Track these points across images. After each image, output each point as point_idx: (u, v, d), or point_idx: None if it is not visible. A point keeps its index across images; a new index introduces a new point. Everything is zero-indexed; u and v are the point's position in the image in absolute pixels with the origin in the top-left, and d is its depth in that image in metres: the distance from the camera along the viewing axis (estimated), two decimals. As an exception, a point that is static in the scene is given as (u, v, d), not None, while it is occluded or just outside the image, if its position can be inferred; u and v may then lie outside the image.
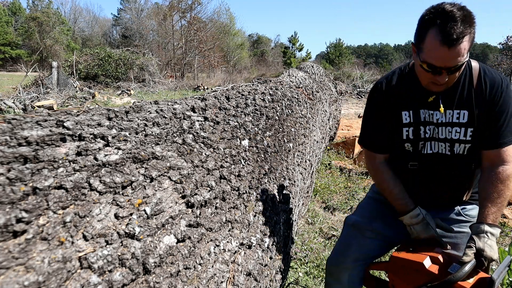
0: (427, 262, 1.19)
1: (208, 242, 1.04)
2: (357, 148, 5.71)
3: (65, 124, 0.87)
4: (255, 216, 1.37)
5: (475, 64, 1.29)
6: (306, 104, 3.20)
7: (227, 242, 1.13)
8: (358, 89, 18.92)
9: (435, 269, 1.18)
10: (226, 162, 1.33)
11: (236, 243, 1.18)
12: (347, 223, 1.59)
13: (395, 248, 1.42)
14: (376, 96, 1.40)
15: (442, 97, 1.26)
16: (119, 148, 0.94)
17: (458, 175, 1.34)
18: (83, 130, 0.90)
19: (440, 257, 1.20)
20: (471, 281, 1.11)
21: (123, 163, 0.91)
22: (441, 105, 1.26)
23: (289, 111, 2.49)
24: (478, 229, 1.17)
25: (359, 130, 1.54)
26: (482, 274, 1.14)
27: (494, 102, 1.23)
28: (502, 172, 1.21)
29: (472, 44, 1.12)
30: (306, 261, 2.64)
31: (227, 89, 2.13)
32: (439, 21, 1.07)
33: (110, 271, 0.72)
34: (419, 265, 1.20)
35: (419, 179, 1.39)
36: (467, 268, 1.09)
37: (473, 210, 1.39)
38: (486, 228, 1.15)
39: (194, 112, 1.44)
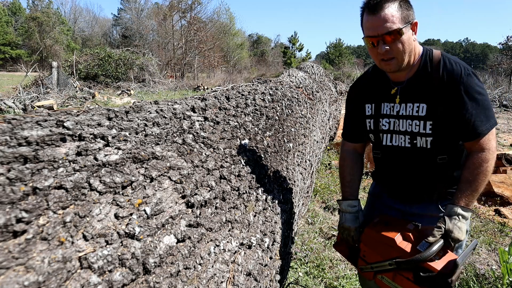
0: (398, 239, 1.24)
1: (208, 242, 1.04)
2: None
3: (65, 124, 0.87)
4: (255, 216, 1.37)
5: (436, 55, 1.28)
6: (306, 104, 3.20)
7: (227, 242, 1.13)
8: (358, 89, 18.86)
9: (405, 245, 1.22)
10: (226, 162, 1.33)
11: (236, 243, 1.18)
12: None
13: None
14: (350, 91, 1.57)
15: (401, 89, 1.32)
16: (119, 148, 0.94)
17: (423, 168, 1.36)
18: (83, 130, 0.90)
19: (411, 235, 1.24)
20: (440, 262, 1.14)
21: (123, 163, 0.91)
22: (398, 97, 1.32)
23: (289, 111, 2.49)
24: (451, 211, 1.21)
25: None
26: (450, 255, 1.17)
27: (456, 95, 1.22)
28: (477, 158, 1.23)
29: (406, 17, 1.18)
30: (306, 261, 2.64)
31: (227, 89, 2.13)
32: (365, 1, 1.20)
33: (110, 271, 0.72)
34: (391, 240, 1.24)
35: (386, 168, 1.50)
36: (434, 248, 1.14)
37: None
38: (459, 210, 1.20)
39: (194, 112, 1.44)
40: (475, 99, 1.20)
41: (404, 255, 1.20)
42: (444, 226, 1.19)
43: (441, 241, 1.16)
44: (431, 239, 1.16)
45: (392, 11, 1.15)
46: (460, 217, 1.19)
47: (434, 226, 1.22)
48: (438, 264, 1.14)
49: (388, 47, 1.20)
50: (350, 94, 1.56)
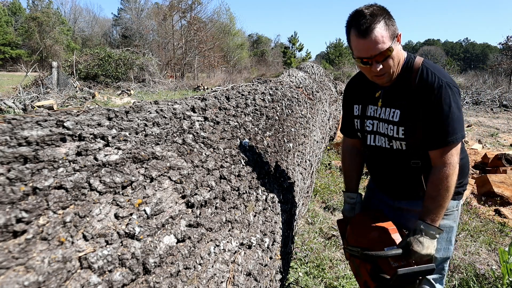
0: (375, 233, 1.36)
1: (208, 242, 1.04)
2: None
3: (65, 124, 0.87)
4: (255, 216, 1.37)
5: (417, 63, 1.31)
6: (306, 104, 3.20)
7: (227, 242, 1.13)
8: (358, 89, 18.88)
9: (375, 241, 1.32)
10: (226, 162, 1.33)
11: (236, 243, 1.18)
12: None
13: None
14: (344, 93, 1.64)
15: (383, 93, 1.38)
16: (119, 148, 0.94)
17: (401, 169, 1.42)
18: (83, 130, 0.90)
19: (387, 235, 1.34)
20: (393, 268, 1.22)
21: (123, 163, 0.91)
22: (380, 101, 1.38)
23: (289, 111, 2.49)
24: (416, 226, 1.28)
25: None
26: (404, 267, 1.24)
27: (427, 104, 1.25)
28: (439, 174, 1.27)
29: (393, 33, 1.21)
30: (306, 261, 2.64)
31: (227, 89, 2.13)
32: (352, 20, 1.22)
33: (110, 271, 0.72)
34: (367, 232, 1.37)
35: (373, 165, 1.58)
36: (389, 253, 1.23)
37: None
38: (422, 226, 1.26)
39: (194, 112, 1.44)
40: (444, 110, 1.23)
41: (371, 249, 1.29)
42: (406, 238, 1.27)
43: (399, 250, 1.23)
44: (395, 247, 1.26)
45: (381, 31, 1.18)
46: (423, 232, 1.25)
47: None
48: (391, 269, 1.22)
49: (381, 65, 1.24)
50: (345, 92, 1.63)
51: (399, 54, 1.27)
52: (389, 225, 1.38)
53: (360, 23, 1.19)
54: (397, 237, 1.33)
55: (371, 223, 1.41)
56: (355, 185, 1.62)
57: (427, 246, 1.23)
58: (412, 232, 1.27)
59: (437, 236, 1.26)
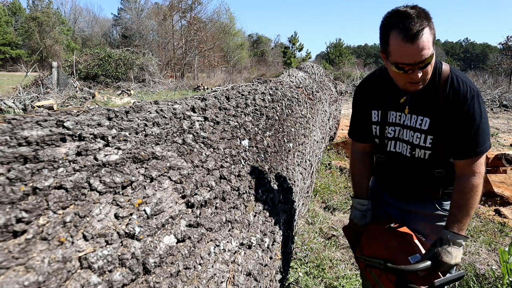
0: (395, 243, 1.32)
1: (208, 242, 1.04)
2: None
3: (65, 124, 0.87)
4: (255, 216, 1.37)
5: (445, 71, 1.27)
6: (306, 104, 3.20)
7: (227, 242, 1.13)
8: (358, 89, 18.90)
9: (398, 251, 1.30)
10: (226, 162, 1.33)
11: (236, 243, 1.18)
12: None
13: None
14: (355, 95, 1.55)
15: (410, 99, 1.31)
16: (119, 148, 0.94)
17: (421, 176, 1.39)
18: (83, 130, 0.90)
19: (408, 244, 1.31)
20: (423, 280, 1.20)
21: (123, 163, 0.91)
22: (407, 107, 1.32)
23: (289, 111, 2.49)
24: (443, 236, 1.25)
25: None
26: (435, 277, 1.22)
27: (459, 114, 1.23)
28: (468, 183, 1.25)
29: (434, 38, 1.15)
30: (306, 261, 2.64)
31: (227, 89, 2.13)
32: (397, 21, 1.12)
33: (110, 271, 0.72)
34: (387, 243, 1.33)
35: (389, 171, 1.52)
36: (419, 266, 1.20)
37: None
38: (450, 236, 1.24)
39: (194, 112, 1.44)
40: (475, 120, 1.21)
41: (394, 260, 1.27)
42: (434, 249, 1.24)
43: (428, 262, 1.21)
44: (423, 259, 1.23)
45: (427, 36, 1.11)
46: (451, 242, 1.23)
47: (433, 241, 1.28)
48: (421, 281, 1.20)
49: (421, 73, 1.18)
50: (357, 95, 1.53)
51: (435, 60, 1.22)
52: (407, 233, 1.36)
53: (408, 26, 1.09)
54: (416, 244, 1.31)
55: (388, 232, 1.37)
56: (366, 191, 1.57)
57: (456, 255, 1.21)
58: (439, 242, 1.24)
59: (464, 244, 1.24)
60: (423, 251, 1.30)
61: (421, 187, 1.41)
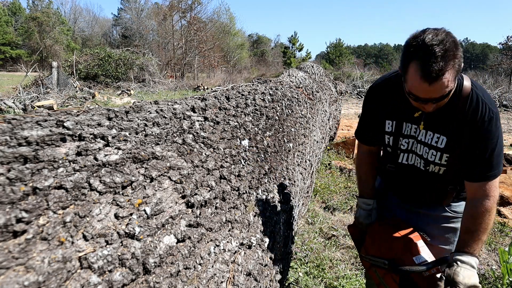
0: (399, 244, 1.31)
1: (208, 242, 1.04)
2: (357, 145, 5.71)
3: (65, 124, 0.87)
4: (255, 216, 1.37)
5: (466, 88, 1.20)
6: (306, 104, 3.20)
7: (227, 242, 1.13)
8: (358, 89, 18.94)
9: (402, 252, 1.29)
10: (226, 162, 1.33)
11: (236, 243, 1.18)
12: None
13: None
14: (368, 95, 1.48)
15: (426, 116, 1.26)
16: (119, 148, 0.94)
17: (432, 188, 1.37)
18: (83, 130, 0.90)
19: (413, 244, 1.30)
20: (427, 283, 1.19)
21: (123, 163, 0.91)
22: (422, 123, 1.27)
23: (289, 111, 2.49)
24: (450, 259, 1.21)
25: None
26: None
27: (475, 136, 1.19)
28: (480, 207, 1.21)
29: (458, 71, 1.07)
30: (306, 261, 2.64)
31: (227, 89, 2.13)
32: (420, 55, 1.04)
33: (110, 271, 0.72)
34: (391, 243, 1.32)
35: (399, 181, 1.49)
36: (423, 267, 1.19)
37: (459, 207, 1.41)
38: (457, 256, 1.19)
39: (194, 112, 1.43)
40: (492, 143, 1.18)
41: (399, 261, 1.26)
42: (444, 274, 1.20)
43: (425, 267, 1.20)
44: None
45: (448, 76, 1.04)
46: (459, 262, 1.17)
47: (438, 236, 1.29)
48: (426, 282, 1.20)
49: (435, 105, 1.14)
50: (370, 99, 1.47)
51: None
52: (412, 233, 1.35)
53: (428, 66, 1.02)
54: (421, 244, 1.30)
55: (393, 232, 1.36)
56: (371, 190, 1.55)
57: (467, 275, 1.14)
58: (447, 265, 1.20)
59: (475, 265, 1.18)
60: (428, 252, 1.29)
61: (433, 197, 1.40)
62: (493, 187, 1.22)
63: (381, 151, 1.58)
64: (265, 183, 1.57)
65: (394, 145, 1.39)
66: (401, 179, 1.47)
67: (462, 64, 1.08)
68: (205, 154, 1.25)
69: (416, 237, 1.33)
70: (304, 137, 2.64)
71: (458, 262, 1.17)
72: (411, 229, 1.38)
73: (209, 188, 1.14)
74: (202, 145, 1.27)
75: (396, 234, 1.35)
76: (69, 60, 17.99)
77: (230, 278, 1.07)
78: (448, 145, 1.24)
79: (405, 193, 1.49)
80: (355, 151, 5.74)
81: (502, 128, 1.23)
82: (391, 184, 1.57)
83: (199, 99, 1.63)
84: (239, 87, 2.28)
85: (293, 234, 1.98)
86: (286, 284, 2.28)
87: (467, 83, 1.20)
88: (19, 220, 0.63)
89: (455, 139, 1.22)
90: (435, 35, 1.03)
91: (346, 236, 3.09)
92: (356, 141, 5.73)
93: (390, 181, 1.57)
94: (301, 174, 2.35)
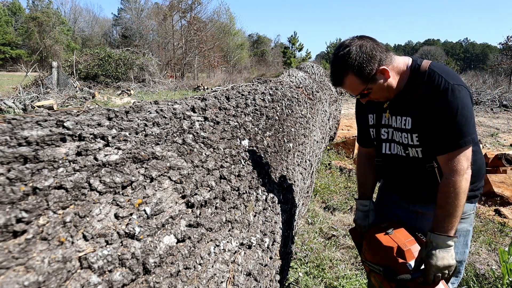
0: (393, 251, 1.31)
1: (208, 242, 1.04)
2: (357, 148, 5.71)
3: (65, 124, 0.87)
4: (255, 216, 1.37)
5: (423, 69, 1.28)
6: (306, 104, 3.20)
7: (227, 242, 1.13)
8: (358, 89, 18.90)
9: (397, 258, 1.29)
10: (226, 162, 1.33)
11: (236, 243, 1.18)
12: None
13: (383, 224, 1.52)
14: (357, 102, 1.60)
15: (390, 103, 1.38)
16: (119, 148, 0.94)
17: (418, 174, 1.39)
18: (83, 130, 0.90)
19: (407, 250, 1.29)
20: None
21: (123, 163, 0.91)
22: (387, 111, 1.39)
23: (289, 111, 2.49)
24: (427, 238, 1.25)
25: (359, 130, 1.69)
26: (441, 285, 1.21)
27: (434, 107, 1.22)
28: (447, 182, 1.22)
29: (368, 75, 1.23)
30: (306, 261, 2.64)
31: (227, 89, 2.13)
32: (330, 65, 1.32)
33: (110, 271, 0.72)
34: (386, 249, 1.32)
35: (388, 174, 1.55)
36: (413, 275, 1.20)
37: None
38: (432, 238, 1.22)
39: (194, 112, 1.43)
40: (449, 113, 1.19)
41: (393, 267, 1.26)
42: (419, 255, 1.24)
43: (419, 272, 1.21)
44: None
45: (349, 82, 1.26)
46: (433, 243, 1.21)
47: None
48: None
49: (367, 98, 1.32)
50: (358, 101, 1.58)
51: (385, 86, 1.27)
52: (406, 237, 1.35)
53: (331, 74, 1.29)
54: (415, 249, 1.29)
55: (387, 238, 1.36)
56: (369, 192, 1.59)
57: (442, 257, 1.18)
58: (424, 246, 1.23)
59: (451, 244, 1.20)
60: None
61: (419, 184, 1.41)
62: (456, 160, 1.21)
63: None
64: (265, 183, 1.57)
65: (377, 137, 1.48)
66: (390, 172, 1.53)
67: (379, 66, 1.24)
68: (205, 154, 1.25)
69: (410, 242, 1.31)
70: (304, 137, 2.64)
71: (433, 243, 1.21)
72: (405, 232, 1.37)
73: (209, 188, 1.14)
74: (202, 145, 1.27)
75: (390, 241, 1.34)
76: (69, 60, 17.99)
77: (230, 278, 1.07)
78: (414, 124, 1.30)
79: (398, 186, 1.53)
80: (355, 151, 5.75)
81: (469, 100, 1.22)
82: (386, 180, 1.62)
83: (199, 99, 1.63)
84: (239, 87, 2.28)
85: (293, 234, 1.98)
86: (286, 284, 2.28)
87: (424, 64, 1.30)
88: (19, 220, 0.63)
89: (418, 116, 1.28)
90: (339, 47, 1.27)
91: (346, 236, 3.09)
92: (356, 142, 5.74)
93: (384, 177, 1.62)
94: (301, 174, 2.35)
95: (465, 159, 1.21)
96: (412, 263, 1.25)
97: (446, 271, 1.20)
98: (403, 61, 1.32)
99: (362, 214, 1.56)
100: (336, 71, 1.27)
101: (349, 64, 1.22)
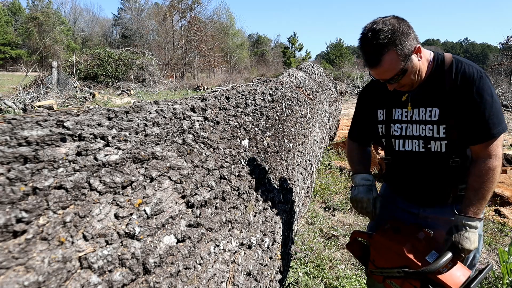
0: (407, 248, 1.25)
1: (208, 242, 1.04)
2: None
3: (65, 124, 0.87)
4: (255, 216, 1.37)
5: (448, 59, 1.27)
6: (306, 104, 3.20)
7: (227, 242, 1.13)
8: (358, 89, 18.93)
9: (413, 255, 1.23)
10: (226, 162, 1.33)
11: (236, 243, 1.18)
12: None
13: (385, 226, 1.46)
14: (361, 93, 1.56)
15: (411, 95, 1.33)
16: (119, 148, 0.94)
17: (437, 172, 1.35)
18: (83, 130, 0.90)
19: (421, 244, 1.26)
20: (449, 276, 1.15)
21: (123, 163, 0.91)
22: (409, 104, 1.33)
23: (289, 111, 2.49)
24: (458, 222, 1.22)
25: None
26: (460, 267, 1.18)
27: (469, 97, 1.20)
28: (484, 166, 1.22)
29: (407, 53, 1.15)
30: (306, 261, 2.64)
31: (227, 89, 2.13)
32: (361, 44, 1.18)
33: (110, 271, 0.72)
34: (399, 249, 1.26)
35: (399, 173, 1.48)
36: (441, 261, 1.15)
37: None
38: (465, 221, 1.20)
39: (194, 112, 1.43)
40: (487, 101, 1.19)
41: (412, 265, 1.21)
42: (451, 238, 1.20)
43: (449, 254, 1.17)
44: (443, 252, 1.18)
45: (389, 60, 1.15)
46: (467, 227, 1.19)
47: (445, 234, 1.24)
48: (447, 279, 1.15)
49: (396, 83, 1.23)
50: (362, 96, 1.55)
51: (418, 65, 1.22)
52: (416, 231, 1.31)
53: (367, 54, 1.16)
54: (429, 242, 1.27)
55: (396, 238, 1.31)
56: (368, 168, 1.52)
57: (474, 240, 1.18)
58: (454, 229, 1.21)
59: (479, 227, 1.21)
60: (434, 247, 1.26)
61: (436, 184, 1.36)
62: (495, 146, 1.22)
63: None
64: (265, 183, 1.57)
65: (386, 133, 1.43)
66: (400, 171, 1.46)
67: (414, 44, 1.16)
68: (205, 154, 1.25)
69: (421, 236, 1.29)
70: (304, 137, 2.64)
71: (467, 227, 1.19)
72: (412, 227, 1.34)
73: (209, 188, 1.14)
74: (202, 145, 1.27)
75: (401, 239, 1.29)
76: (69, 60, 17.99)
77: (230, 278, 1.07)
78: (442, 115, 1.27)
79: (408, 188, 1.46)
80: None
81: (495, 89, 1.25)
82: (394, 182, 1.54)
83: (199, 99, 1.63)
84: (239, 87, 2.28)
85: (293, 234, 1.98)
86: (286, 284, 2.28)
87: (448, 55, 1.28)
88: (19, 220, 0.63)
89: (448, 107, 1.25)
90: (373, 24, 1.15)
91: (346, 236, 3.09)
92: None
93: (392, 178, 1.55)
94: (301, 174, 2.35)
95: (501, 145, 1.23)
96: (431, 255, 1.22)
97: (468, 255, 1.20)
98: (427, 50, 1.29)
99: (364, 188, 1.45)
100: (374, 49, 1.14)
101: (391, 39, 1.12)
